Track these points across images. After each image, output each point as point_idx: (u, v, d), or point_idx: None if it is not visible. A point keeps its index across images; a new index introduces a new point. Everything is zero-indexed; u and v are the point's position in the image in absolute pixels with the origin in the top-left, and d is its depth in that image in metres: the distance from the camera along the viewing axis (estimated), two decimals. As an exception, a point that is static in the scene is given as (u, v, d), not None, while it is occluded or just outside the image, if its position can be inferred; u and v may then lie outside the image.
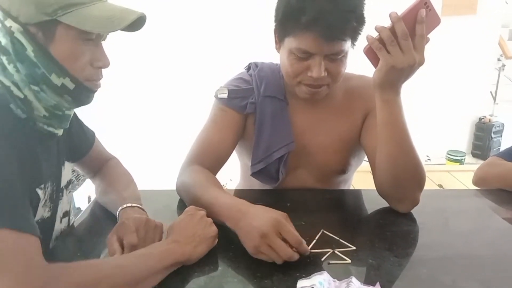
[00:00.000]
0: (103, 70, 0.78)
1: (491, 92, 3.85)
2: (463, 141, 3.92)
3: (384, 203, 1.01)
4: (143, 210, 0.90)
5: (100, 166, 1.06)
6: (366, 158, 1.12)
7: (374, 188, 1.02)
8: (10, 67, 0.70)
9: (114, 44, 1.06)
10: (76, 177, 1.00)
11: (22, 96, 0.71)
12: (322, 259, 0.78)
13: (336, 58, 0.96)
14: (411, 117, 0.94)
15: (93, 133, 1.05)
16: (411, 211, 0.98)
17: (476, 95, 3.81)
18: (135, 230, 0.77)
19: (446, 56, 3.45)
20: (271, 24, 1.01)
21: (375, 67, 0.84)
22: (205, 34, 3.21)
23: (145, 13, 0.74)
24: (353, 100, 1.11)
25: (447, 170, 2.88)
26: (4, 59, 0.70)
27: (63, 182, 0.89)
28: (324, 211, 1.03)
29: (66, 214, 0.91)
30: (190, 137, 1.13)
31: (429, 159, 3.63)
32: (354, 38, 0.97)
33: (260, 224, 0.74)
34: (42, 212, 0.79)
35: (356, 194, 1.17)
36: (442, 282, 0.72)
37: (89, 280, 0.62)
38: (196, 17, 3.19)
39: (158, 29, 2.87)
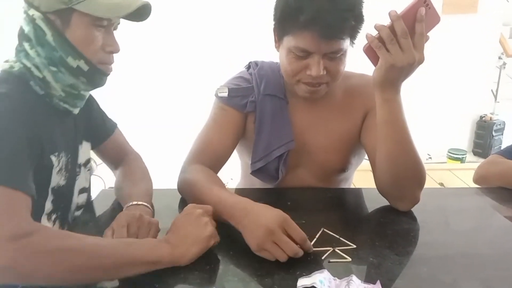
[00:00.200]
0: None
1: (492, 90, 3.85)
2: (464, 140, 3.92)
3: (384, 202, 1.01)
4: (149, 207, 0.90)
5: (120, 159, 1.11)
6: (366, 157, 1.12)
7: (375, 186, 1.02)
8: (31, 52, 0.81)
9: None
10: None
11: (41, 76, 0.82)
12: (323, 258, 0.78)
13: (334, 56, 0.96)
14: (412, 115, 0.93)
15: (115, 124, 1.13)
16: (412, 209, 0.98)
17: (477, 93, 3.80)
18: (125, 225, 0.78)
19: (447, 55, 3.45)
20: (271, 23, 1.01)
21: (375, 66, 0.84)
22: (206, 33, 3.21)
23: (149, 2, 0.86)
24: (353, 99, 1.11)
25: (448, 169, 2.87)
26: (26, 45, 0.82)
27: (81, 159, 0.98)
28: (324, 209, 1.03)
29: (84, 190, 1.00)
30: (191, 136, 1.13)
31: (430, 158, 3.63)
32: (352, 37, 0.96)
33: (266, 221, 0.74)
34: (58, 179, 0.88)
35: (357, 192, 1.16)
36: (442, 280, 0.72)
37: (66, 246, 0.64)
38: (196, 17, 3.19)
39: (159, 28, 2.88)
